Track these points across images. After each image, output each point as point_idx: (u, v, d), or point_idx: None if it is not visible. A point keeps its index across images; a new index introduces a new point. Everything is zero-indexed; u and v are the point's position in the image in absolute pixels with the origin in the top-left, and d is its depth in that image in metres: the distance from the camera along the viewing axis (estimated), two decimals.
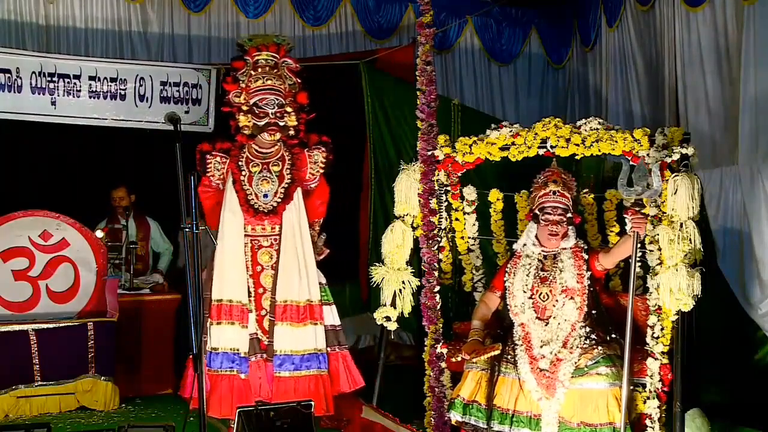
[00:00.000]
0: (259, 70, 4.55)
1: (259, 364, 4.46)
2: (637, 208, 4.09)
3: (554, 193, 4.42)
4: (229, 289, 4.44)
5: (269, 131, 4.51)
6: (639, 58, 6.80)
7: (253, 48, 4.60)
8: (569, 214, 4.41)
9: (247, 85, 4.55)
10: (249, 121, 4.52)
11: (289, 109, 4.56)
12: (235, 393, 4.38)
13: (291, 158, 4.63)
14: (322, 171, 4.73)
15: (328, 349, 4.58)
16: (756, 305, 5.13)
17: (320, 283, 4.71)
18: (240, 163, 4.58)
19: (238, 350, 4.42)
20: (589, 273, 4.34)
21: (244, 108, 4.53)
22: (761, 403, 4.89)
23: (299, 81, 4.66)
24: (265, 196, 4.54)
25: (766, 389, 4.96)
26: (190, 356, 4.42)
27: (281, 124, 4.52)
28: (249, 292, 4.49)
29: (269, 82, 4.53)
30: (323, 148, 4.73)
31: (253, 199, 4.53)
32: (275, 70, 4.58)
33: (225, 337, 4.41)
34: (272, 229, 4.54)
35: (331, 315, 4.69)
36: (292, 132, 4.60)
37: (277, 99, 4.52)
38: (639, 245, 4.40)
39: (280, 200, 4.55)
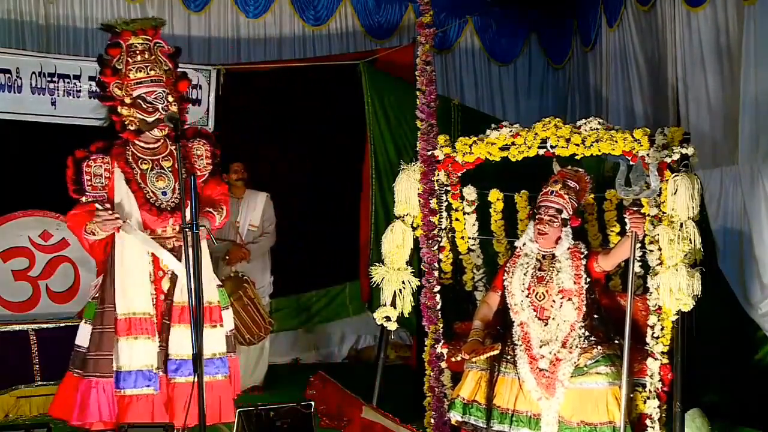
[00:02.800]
0: (138, 57, 4.05)
1: (165, 378, 4.02)
2: (635, 208, 4.09)
3: (552, 192, 4.42)
4: (137, 302, 3.96)
5: (160, 127, 4.03)
6: (640, 57, 6.80)
7: (128, 32, 4.09)
8: (563, 215, 4.39)
9: (126, 74, 4.04)
10: (135, 116, 4.03)
11: (171, 99, 4.06)
12: (156, 413, 3.91)
13: (182, 151, 4.06)
14: (210, 167, 4.22)
15: (230, 354, 4.17)
16: (756, 305, 5.14)
17: (218, 285, 4.26)
18: (128, 159, 4.07)
19: (152, 366, 3.94)
20: (586, 276, 4.32)
21: (127, 101, 4.02)
22: (761, 403, 4.89)
23: (173, 65, 4.17)
24: (164, 193, 4.05)
25: (766, 389, 4.96)
26: (68, 372, 4.00)
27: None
28: (152, 301, 4.03)
29: (152, 72, 4.04)
30: (205, 141, 4.23)
31: (152, 197, 4.03)
32: (152, 57, 4.09)
33: (139, 354, 3.92)
34: (173, 230, 4.04)
35: (229, 320, 4.27)
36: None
37: (164, 91, 4.04)
38: (639, 245, 4.41)
39: (179, 195, 3.99)
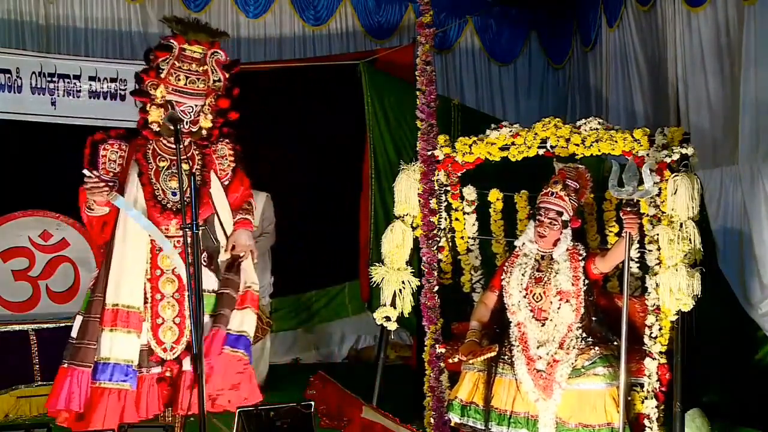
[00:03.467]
0: (185, 66, 4.00)
1: (146, 378, 3.93)
2: (629, 208, 4.07)
3: (552, 194, 4.42)
4: (126, 294, 3.90)
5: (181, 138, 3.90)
6: (640, 58, 6.80)
7: (183, 37, 4.00)
8: (564, 217, 4.39)
9: (167, 77, 3.97)
10: (160, 118, 3.99)
11: (206, 111, 4.06)
12: (126, 409, 3.82)
13: (202, 159, 4.13)
14: (233, 165, 4.21)
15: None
16: (756, 305, 5.14)
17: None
18: (147, 154, 4.02)
19: (131, 362, 3.86)
20: (584, 278, 4.31)
21: (158, 102, 3.98)
22: (761, 403, 4.89)
23: (226, 77, 4.11)
24: (174, 194, 4.01)
25: (766, 389, 4.96)
26: (63, 365, 3.89)
27: (193, 130, 4.04)
28: (146, 299, 3.97)
29: (192, 84, 4.00)
30: (228, 140, 4.20)
31: (160, 195, 3.99)
32: (202, 67, 4.04)
33: (119, 347, 3.85)
34: (177, 231, 3.98)
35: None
36: (204, 134, 4.11)
37: (197, 104, 4.01)
38: (639, 245, 4.41)
39: (191, 199, 3.94)
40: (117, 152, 4.00)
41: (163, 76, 3.97)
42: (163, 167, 4.05)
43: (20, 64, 6.12)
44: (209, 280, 4.06)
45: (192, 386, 3.83)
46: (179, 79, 3.98)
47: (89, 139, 4.00)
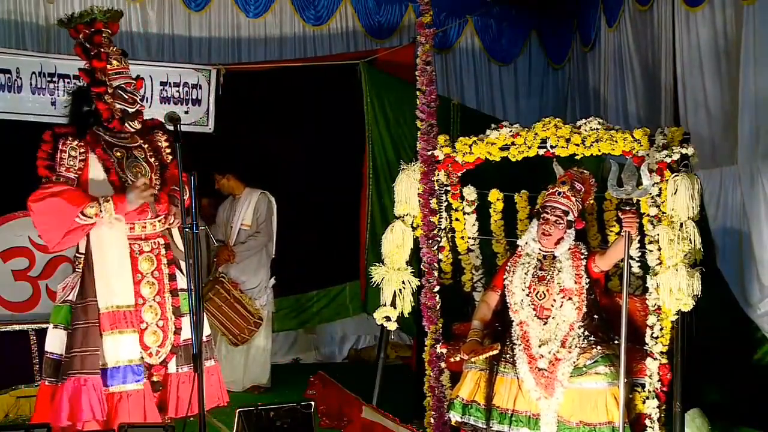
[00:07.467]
0: (110, 48, 3.96)
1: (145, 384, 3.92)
2: (627, 207, 4.07)
3: (559, 193, 4.42)
4: (119, 294, 3.87)
5: (139, 119, 3.99)
6: (639, 57, 6.81)
7: (101, 22, 3.95)
8: (569, 217, 4.39)
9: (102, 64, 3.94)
10: (115, 106, 3.94)
11: None
12: (148, 410, 3.81)
13: (149, 144, 4.10)
14: (170, 157, 4.16)
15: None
16: (755, 305, 5.14)
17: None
18: (104, 149, 3.95)
19: (139, 361, 3.86)
20: (586, 275, 4.32)
21: (110, 90, 3.93)
22: (761, 403, 4.90)
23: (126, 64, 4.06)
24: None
25: (766, 389, 4.97)
26: (42, 383, 3.85)
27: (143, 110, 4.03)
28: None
29: (125, 60, 4.02)
30: (162, 131, 4.18)
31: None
32: (115, 47, 4.01)
33: (125, 349, 3.83)
34: (153, 227, 3.98)
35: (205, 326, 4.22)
36: (137, 125, 4.06)
37: (133, 80, 4.01)
38: (639, 245, 4.41)
39: (159, 186, 4.01)
40: (77, 149, 3.90)
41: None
42: (121, 158, 4.00)
43: (20, 64, 6.11)
44: (183, 280, 4.07)
45: (192, 388, 3.78)
46: (117, 61, 3.97)
47: (48, 133, 3.91)
